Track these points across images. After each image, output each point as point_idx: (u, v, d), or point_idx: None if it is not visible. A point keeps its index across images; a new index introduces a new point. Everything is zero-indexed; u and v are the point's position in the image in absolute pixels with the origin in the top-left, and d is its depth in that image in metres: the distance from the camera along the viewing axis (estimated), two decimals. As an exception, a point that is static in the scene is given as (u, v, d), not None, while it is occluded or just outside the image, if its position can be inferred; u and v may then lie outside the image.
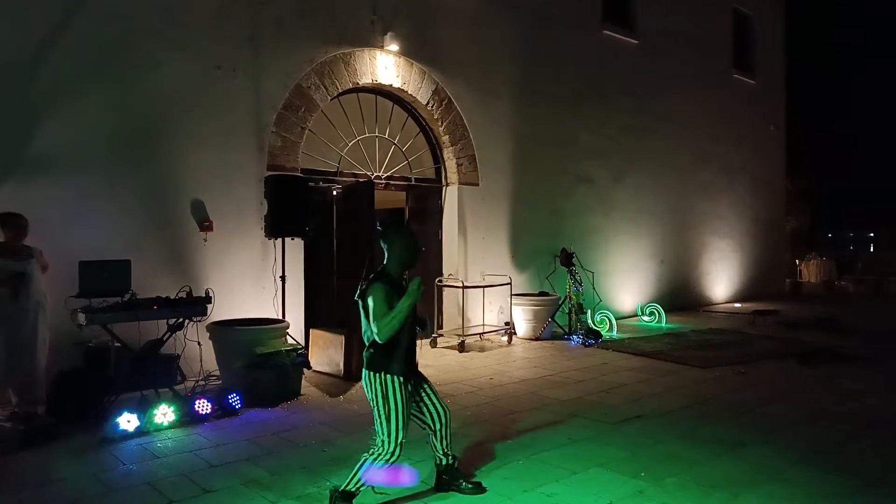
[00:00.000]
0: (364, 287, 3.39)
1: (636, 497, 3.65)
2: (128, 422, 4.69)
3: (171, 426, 4.89)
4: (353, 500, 3.32)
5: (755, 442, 4.59)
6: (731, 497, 3.64)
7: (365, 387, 3.40)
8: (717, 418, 5.20)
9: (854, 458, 4.27)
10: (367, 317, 3.37)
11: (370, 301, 3.29)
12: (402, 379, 3.34)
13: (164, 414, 4.89)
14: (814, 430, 4.89)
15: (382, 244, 3.51)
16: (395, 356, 3.36)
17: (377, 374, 3.34)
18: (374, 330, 3.27)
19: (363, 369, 3.42)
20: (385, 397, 3.32)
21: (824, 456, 4.32)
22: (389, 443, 3.30)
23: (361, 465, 3.32)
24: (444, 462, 3.69)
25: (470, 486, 3.69)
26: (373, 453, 3.34)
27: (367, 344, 3.43)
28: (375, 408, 3.35)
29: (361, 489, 3.35)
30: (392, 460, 3.31)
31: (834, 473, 4.00)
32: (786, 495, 3.66)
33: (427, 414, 3.59)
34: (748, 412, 5.38)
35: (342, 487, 3.31)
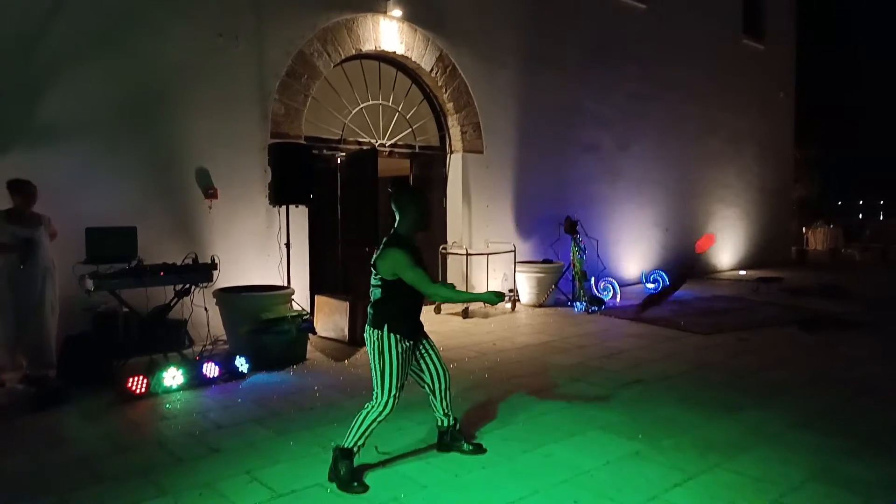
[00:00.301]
0: (380, 251, 3.45)
1: (633, 458, 3.73)
2: (137, 384, 4.80)
3: (180, 389, 5.00)
4: (354, 458, 3.41)
5: (753, 406, 4.66)
6: (727, 459, 3.71)
7: (366, 341, 3.50)
8: (717, 383, 5.26)
9: (851, 422, 4.34)
10: (376, 278, 3.46)
11: (403, 271, 3.36)
12: (398, 336, 3.42)
13: (173, 377, 4.99)
14: (812, 395, 4.95)
15: (394, 207, 3.54)
16: (396, 315, 3.44)
17: (375, 330, 3.44)
18: (427, 292, 3.40)
19: (366, 325, 3.50)
20: (381, 352, 3.41)
21: (822, 419, 4.38)
22: (383, 395, 3.40)
23: (356, 422, 3.41)
24: (444, 423, 3.78)
25: (470, 447, 3.78)
26: (366, 406, 3.43)
27: (371, 300, 3.52)
28: (373, 362, 3.45)
29: (362, 447, 3.44)
30: (385, 412, 3.40)
31: (830, 436, 4.06)
32: (781, 457, 3.73)
33: (427, 374, 3.66)
34: (748, 377, 5.44)
35: (342, 445, 3.40)
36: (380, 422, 3.41)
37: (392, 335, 3.41)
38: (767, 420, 4.36)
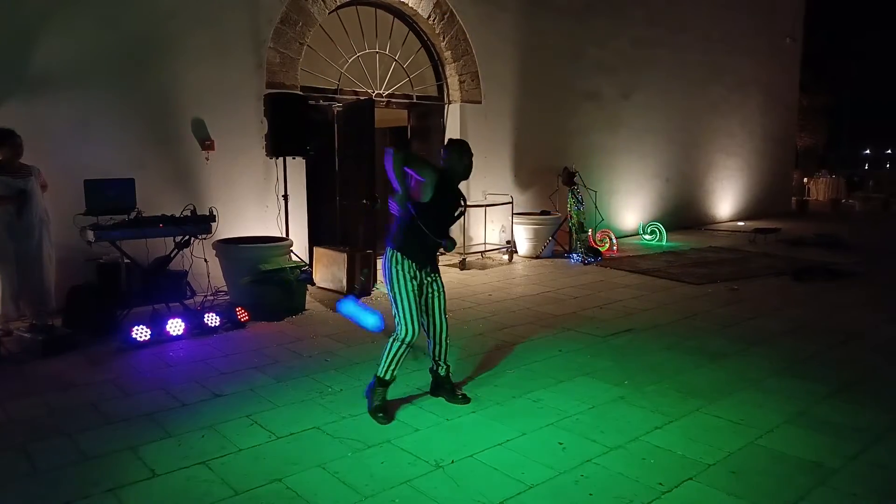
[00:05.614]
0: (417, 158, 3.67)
1: (617, 402, 3.89)
2: (141, 333, 4.96)
3: (182, 337, 5.16)
4: (389, 387, 3.70)
5: (737, 354, 4.80)
6: (707, 403, 3.87)
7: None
8: (704, 331, 5.40)
9: (831, 369, 4.48)
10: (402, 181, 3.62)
11: (417, 169, 3.58)
12: (407, 261, 3.59)
13: (175, 326, 5.14)
14: (795, 343, 5.08)
15: (443, 155, 3.89)
16: (407, 241, 3.61)
17: (388, 250, 3.64)
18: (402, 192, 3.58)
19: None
20: (391, 276, 3.61)
21: (801, 366, 4.53)
22: (401, 322, 3.59)
23: (385, 353, 3.63)
24: (437, 370, 3.93)
25: (459, 396, 3.92)
26: (391, 336, 3.65)
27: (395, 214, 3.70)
28: (388, 290, 3.66)
29: (396, 377, 3.69)
30: (407, 339, 3.58)
31: (807, 382, 4.21)
32: (758, 401, 3.88)
33: (427, 319, 3.81)
34: (734, 326, 5.57)
35: (379, 374, 3.67)
36: (405, 350, 3.61)
37: (400, 256, 3.58)
38: (750, 367, 4.50)
